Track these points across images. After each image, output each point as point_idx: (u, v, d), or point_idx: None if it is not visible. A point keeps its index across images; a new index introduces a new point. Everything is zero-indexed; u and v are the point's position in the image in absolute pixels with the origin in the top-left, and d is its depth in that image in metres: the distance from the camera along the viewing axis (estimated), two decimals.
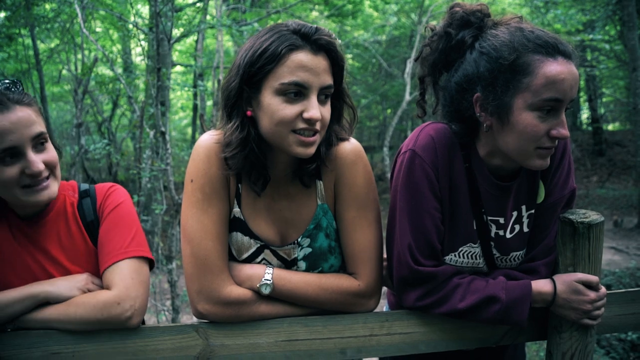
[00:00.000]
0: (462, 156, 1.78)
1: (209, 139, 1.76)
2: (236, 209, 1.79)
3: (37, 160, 1.69)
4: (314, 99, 1.62)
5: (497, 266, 1.87)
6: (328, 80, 1.66)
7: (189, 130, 19.16)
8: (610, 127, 25.03)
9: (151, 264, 1.88)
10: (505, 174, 1.81)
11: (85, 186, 1.93)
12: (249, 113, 1.68)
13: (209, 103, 10.43)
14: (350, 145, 1.79)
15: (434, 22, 1.87)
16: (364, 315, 1.81)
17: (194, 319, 1.84)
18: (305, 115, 1.60)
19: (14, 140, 1.65)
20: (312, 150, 1.66)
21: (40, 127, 1.72)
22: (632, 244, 11.12)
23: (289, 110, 1.61)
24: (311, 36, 1.62)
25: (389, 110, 21.01)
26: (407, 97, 11.23)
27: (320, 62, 1.63)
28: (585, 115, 23.97)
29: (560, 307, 1.75)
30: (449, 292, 1.74)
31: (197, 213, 1.73)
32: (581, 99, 22.63)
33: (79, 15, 5.95)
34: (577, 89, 1.64)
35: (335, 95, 1.74)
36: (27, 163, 1.68)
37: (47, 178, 1.75)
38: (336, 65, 1.69)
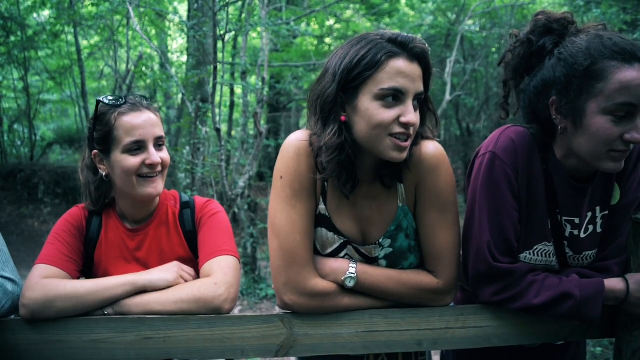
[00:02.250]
0: (540, 158, 1.85)
1: (298, 138, 1.84)
2: (322, 206, 1.87)
3: (156, 154, 2.02)
4: (410, 104, 1.70)
5: (569, 265, 1.93)
6: (421, 87, 1.74)
7: (224, 127, 19.32)
8: None
9: None
10: (582, 175, 1.87)
11: (185, 197, 2.20)
12: (343, 118, 1.76)
13: (251, 100, 10.53)
14: (433, 149, 1.83)
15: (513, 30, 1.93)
16: (441, 309, 1.89)
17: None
18: (403, 119, 1.68)
19: (142, 135, 2.00)
20: (405, 154, 1.74)
21: (161, 131, 2.07)
22: None
23: (387, 114, 1.69)
24: (408, 44, 1.70)
25: None
26: (448, 97, 11.20)
27: (415, 69, 1.71)
28: None
29: (632, 306, 1.80)
30: (524, 289, 1.80)
31: (286, 208, 1.81)
32: None
33: (131, 13, 6.09)
34: None
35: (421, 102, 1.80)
36: (148, 155, 2.00)
37: (157, 174, 2.02)
38: (427, 73, 1.77)
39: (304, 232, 1.81)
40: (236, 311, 7.85)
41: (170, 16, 12.15)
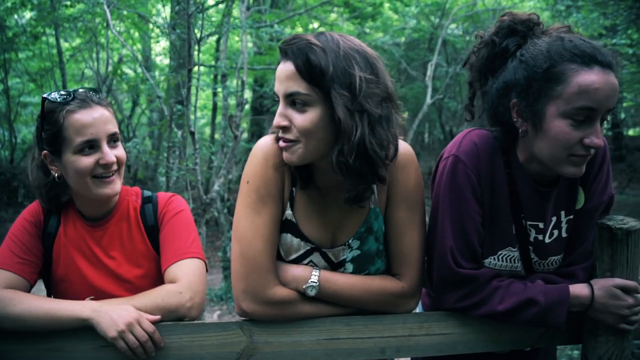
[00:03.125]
0: (503, 162, 1.82)
1: (268, 142, 1.79)
2: (288, 212, 1.82)
3: (110, 153, 1.92)
4: (281, 105, 1.69)
5: (535, 270, 1.90)
6: (292, 86, 1.65)
7: (207, 130, 19.27)
8: (630, 132, 24.77)
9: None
10: (545, 179, 1.84)
11: (148, 193, 2.12)
12: None
13: (232, 102, 10.50)
14: (403, 149, 1.79)
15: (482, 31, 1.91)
16: (404, 316, 1.85)
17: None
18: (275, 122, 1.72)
19: (94, 134, 1.89)
20: (288, 156, 1.71)
21: (115, 127, 1.97)
22: None
23: (276, 117, 1.71)
24: (281, 45, 1.69)
25: (405, 113, 20.97)
26: (429, 101, 11.25)
27: (285, 69, 1.67)
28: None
29: (597, 312, 1.78)
30: (488, 295, 1.77)
31: (251, 214, 1.76)
32: None
33: (108, 15, 6.02)
34: (615, 99, 1.65)
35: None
36: (102, 154, 1.90)
37: (114, 173, 1.95)
38: (306, 69, 1.62)
39: (266, 239, 1.76)
40: (215, 316, 7.78)
41: (153, 18, 12.08)
